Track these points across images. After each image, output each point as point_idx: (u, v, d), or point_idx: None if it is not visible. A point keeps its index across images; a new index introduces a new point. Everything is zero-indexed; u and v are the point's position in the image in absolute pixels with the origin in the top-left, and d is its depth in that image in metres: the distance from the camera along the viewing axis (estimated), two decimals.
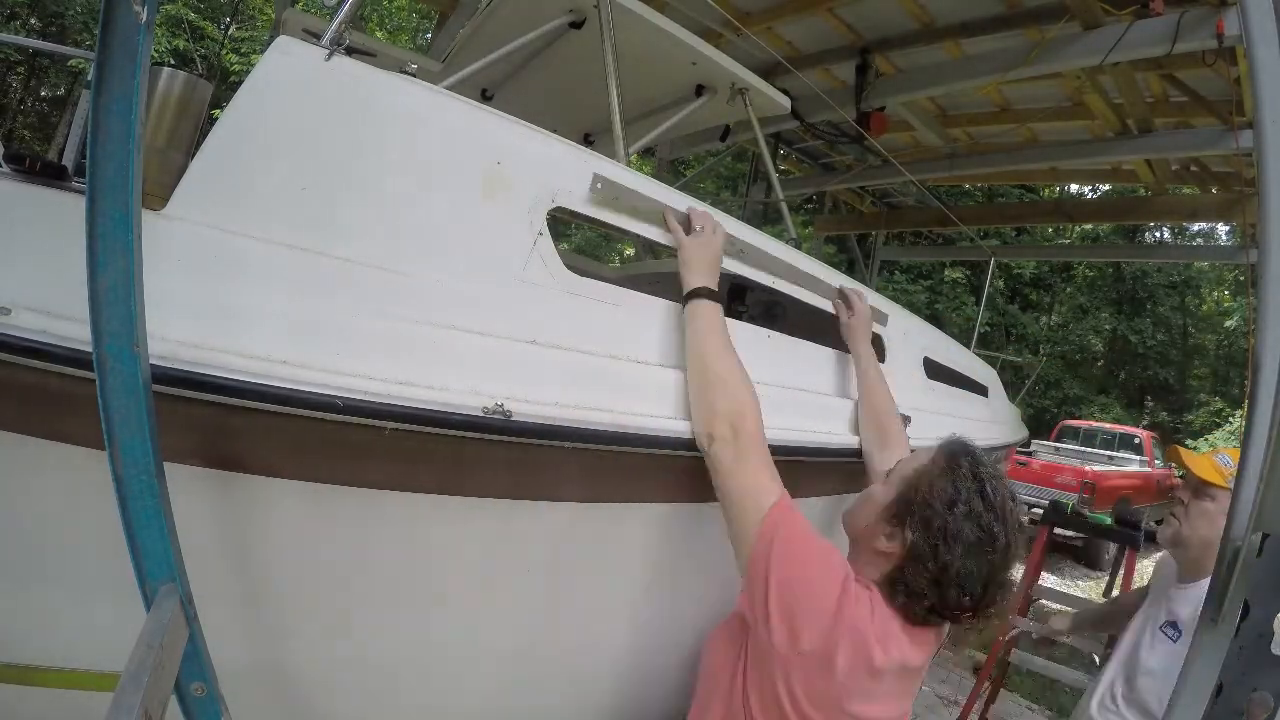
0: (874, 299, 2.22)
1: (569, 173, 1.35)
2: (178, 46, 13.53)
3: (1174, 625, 1.56)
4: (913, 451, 1.34)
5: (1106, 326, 19.75)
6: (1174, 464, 1.71)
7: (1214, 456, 1.61)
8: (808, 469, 1.67)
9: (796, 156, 7.60)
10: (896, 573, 1.13)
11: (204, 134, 1.10)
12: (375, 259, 1.11)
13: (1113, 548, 6.76)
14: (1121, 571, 3.79)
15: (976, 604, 1.09)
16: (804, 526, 1.13)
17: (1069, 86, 5.01)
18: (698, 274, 1.36)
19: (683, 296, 1.36)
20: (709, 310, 1.33)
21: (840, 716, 1.05)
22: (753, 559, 1.11)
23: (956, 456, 1.18)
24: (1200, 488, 1.59)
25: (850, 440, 1.75)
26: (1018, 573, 1.17)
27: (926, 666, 1.20)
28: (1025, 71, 4.31)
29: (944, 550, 1.07)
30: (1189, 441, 15.71)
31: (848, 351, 1.92)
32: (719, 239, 1.44)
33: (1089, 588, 6.83)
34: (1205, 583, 1.52)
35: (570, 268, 1.30)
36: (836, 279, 1.84)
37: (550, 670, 1.52)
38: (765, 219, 7.05)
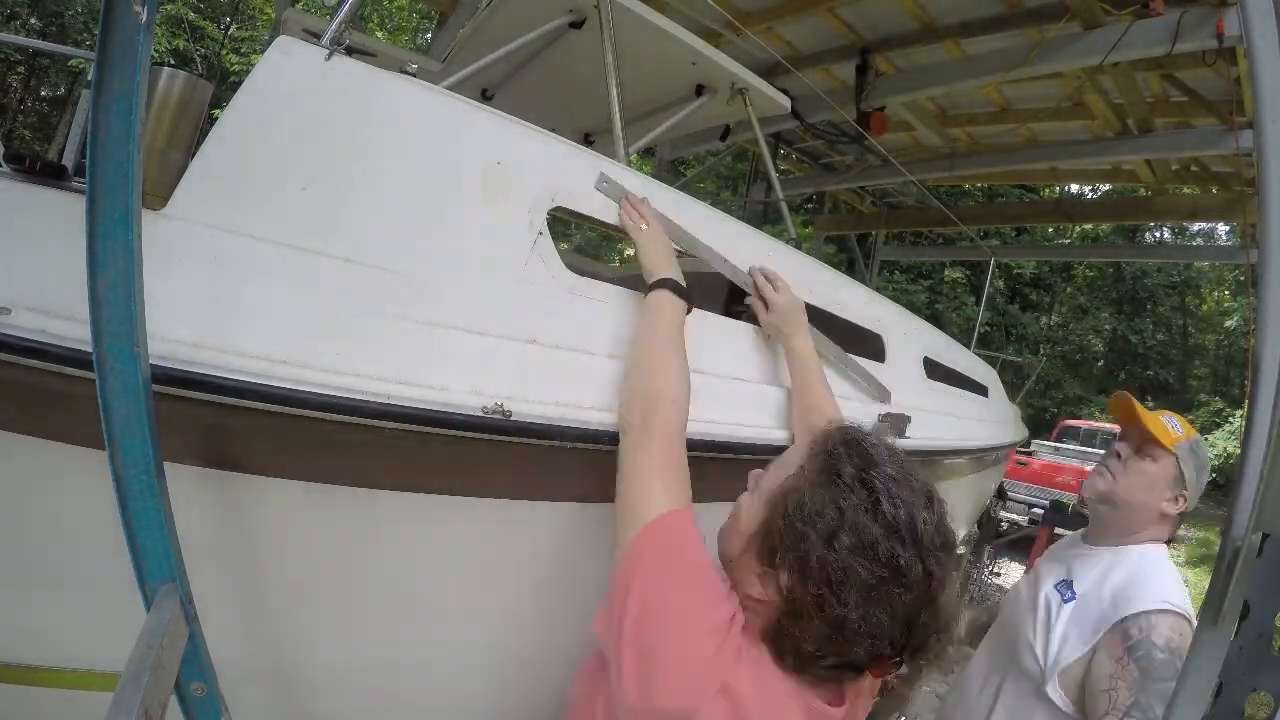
0: (874, 299, 2.23)
1: (569, 173, 1.35)
2: (178, 46, 13.52)
3: (1069, 585, 1.43)
4: (787, 451, 1.05)
5: (1106, 326, 19.75)
6: (1120, 415, 1.55)
7: (1161, 416, 1.49)
8: None
9: (796, 156, 7.60)
10: (779, 627, 0.84)
11: (204, 134, 1.10)
12: (375, 259, 1.11)
13: None
14: None
15: (901, 650, 0.81)
16: (693, 549, 0.89)
17: (1069, 86, 5.01)
18: (660, 265, 1.28)
19: (645, 286, 1.29)
20: (667, 302, 1.23)
21: None
22: (617, 575, 0.90)
23: (835, 460, 0.86)
24: (1145, 445, 1.46)
25: None
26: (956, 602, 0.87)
27: None
28: (1025, 71, 4.32)
29: (832, 600, 0.78)
30: None
31: (849, 351, 1.92)
32: (660, 225, 1.38)
33: None
34: (1113, 551, 1.41)
35: (570, 268, 1.30)
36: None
37: (550, 671, 1.52)
38: (765, 219, 7.05)
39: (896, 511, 0.80)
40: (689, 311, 1.27)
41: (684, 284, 1.27)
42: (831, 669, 0.83)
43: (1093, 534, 1.55)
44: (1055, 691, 1.33)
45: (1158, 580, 1.33)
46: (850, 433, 0.92)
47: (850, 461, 0.85)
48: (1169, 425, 1.46)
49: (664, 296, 1.23)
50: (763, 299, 1.52)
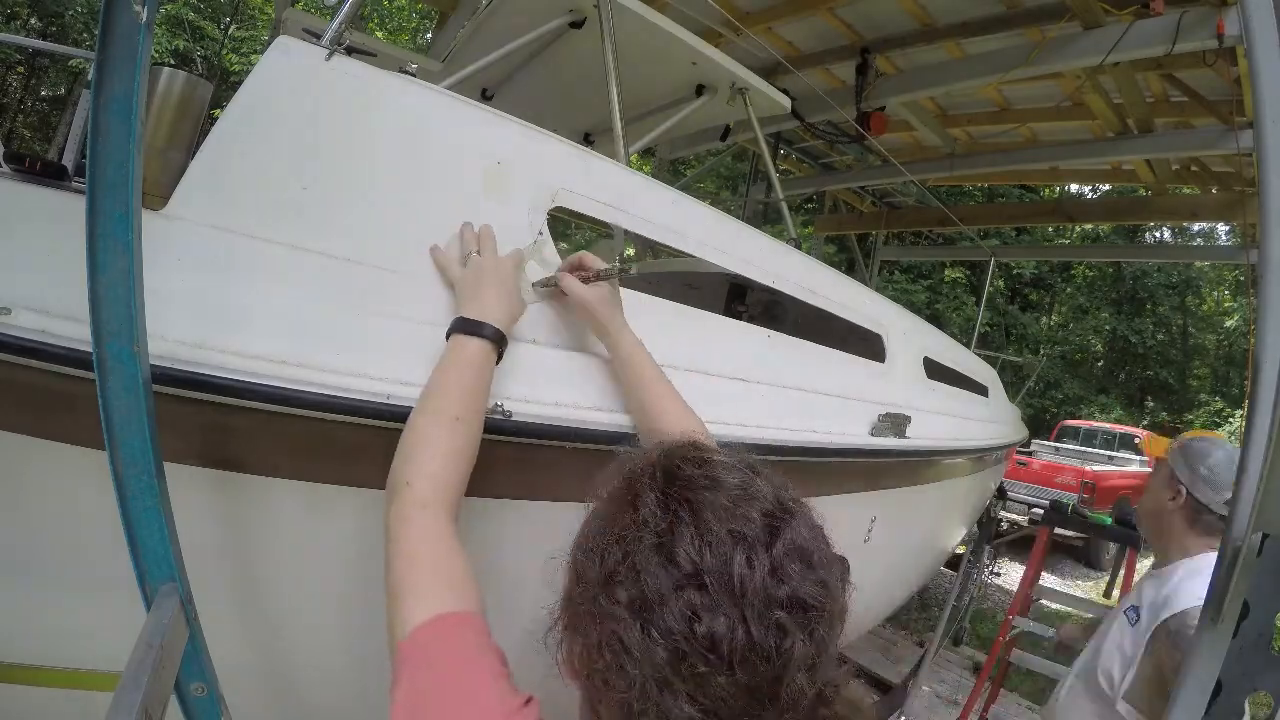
0: (874, 299, 2.23)
1: (569, 172, 1.35)
2: (178, 46, 13.53)
3: (1135, 609, 1.61)
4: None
5: (1106, 326, 19.75)
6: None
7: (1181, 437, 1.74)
8: (807, 469, 1.67)
9: (796, 156, 7.60)
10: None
11: (204, 134, 1.10)
12: (376, 259, 1.11)
13: (1113, 547, 6.83)
14: (1122, 571, 3.80)
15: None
16: (459, 660, 0.67)
17: (1069, 86, 5.01)
18: (467, 302, 1.06)
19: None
20: (467, 349, 0.99)
21: None
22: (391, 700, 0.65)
23: (637, 480, 0.62)
24: (1155, 465, 1.71)
25: (849, 440, 1.75)
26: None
27: None
28: (1025, 71, 4.31)
29: (617, 683, 0.54)
30: None
31: (848, 351, 1.92)
32: (496, 261, 1.12)
33: (1089, 588, 6.83)
34: (1170, 567, 1.57)
35: None
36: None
37: (551, 668, 1.52)
38: (765, 219, 7.05)
39: (701, 549, 0.53)
40: (498, 361, 1.03)
41: (500, 328, 1.03)
42: None
43: (1156, 560, 1.75)
44: (1124, 708, 1.48)
45: (1191, 582, 1.47)
46: (681, 448, 0.65)
47: (655, 482, 0.60)
48: (1171, 441, 1.69)
49: (469, 346, 1.00)
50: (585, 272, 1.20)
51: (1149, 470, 1.76)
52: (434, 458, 0.87)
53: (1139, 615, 1.57)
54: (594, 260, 1.20)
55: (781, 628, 0.52)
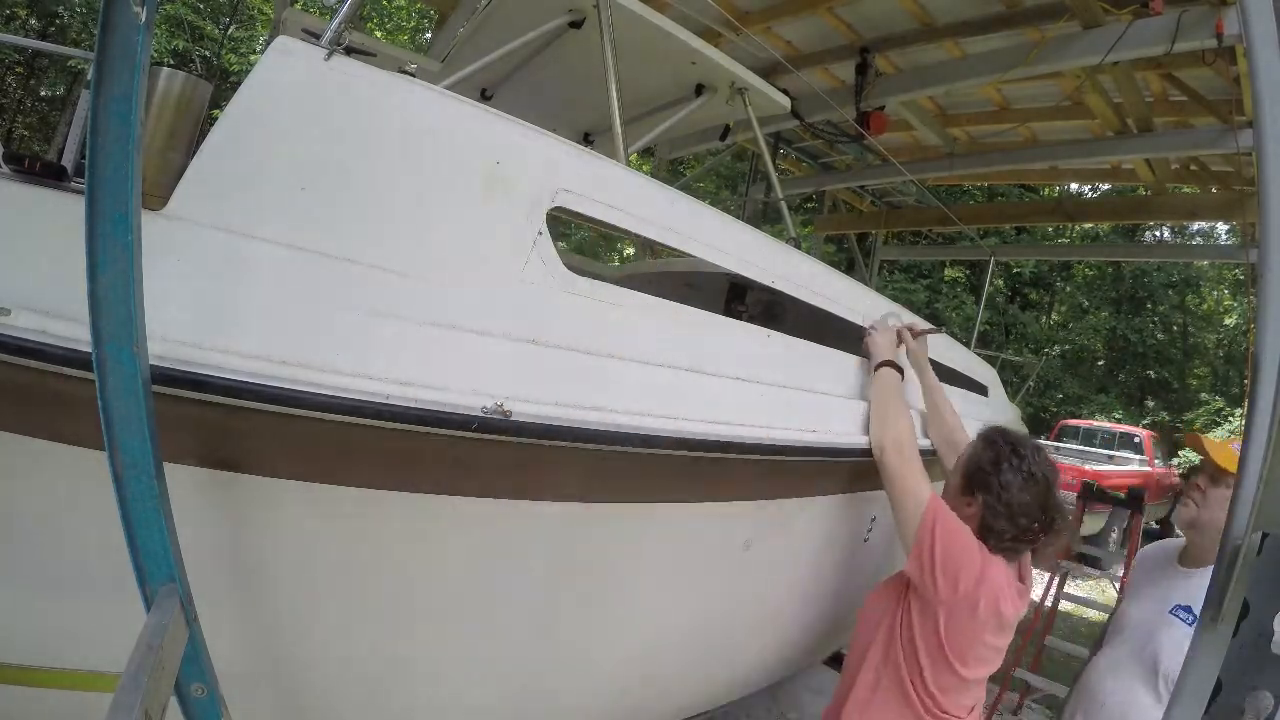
0: (874, 298, 2.23)
1: (569, 173, 1.35)
2: (177, 46, 13.51)
3: (1188, 610, 1.58)
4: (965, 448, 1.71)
5: (1106, 326, 19.73)
6: (1194, 449, 1.79)
7: (1231, 445, 1.66)
8: (806, 469, 1.67)
9: (796, 156, 7.58)
10: (983, 527, 1.50)
11: (204, 134, 1.10)
12: (375, 259, 1.11)
13: (1115, 534, 7.86)
14: (1122, 568, 3.90)
15: (1043, 525, 1.48)
16: (951, 513, 1.53)
17: (1069, 86, 5.00)
18: (883, 351, 1.90)
19: (873, 366, 1.89)
20: (891, 375, 1.86)
21: (977, 645, 1.45)
22: (920, 534, 1.49)
23: (989, 436, 1.61)
24: (1219, 474, 1.65)
25: (849, 440, 1.75)
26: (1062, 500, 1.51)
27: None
28: (1025, 71, 4.30)
29: (1004, 494, 1.47)
30: None
31: (847, 351, 1.93)
32: (894, 328, 2.03)
33: (1089, 588, 6.87)
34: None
35: (570, 268, 1.30)
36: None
37: (551, 668, 1.52)
38: (765, 218, 7.05)
39: (1025, 450, 1.54)
40: (903, 377, 1.88)
41: (900, 365, 1.90)
42: (1013, 542, 1.48)
43: (1192, 559, 1.71)
44: None
45: None
46: (992, 426, 1.68)
47: (995, 433, 1.61)
48: (1237, 452, 1.60)
49: (889, 372, 1.85)
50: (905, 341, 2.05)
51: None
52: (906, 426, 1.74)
53: (1195, 617, 1.52)
54: (921, 322, 2.15)
55: (1051, 472, 1.56)
